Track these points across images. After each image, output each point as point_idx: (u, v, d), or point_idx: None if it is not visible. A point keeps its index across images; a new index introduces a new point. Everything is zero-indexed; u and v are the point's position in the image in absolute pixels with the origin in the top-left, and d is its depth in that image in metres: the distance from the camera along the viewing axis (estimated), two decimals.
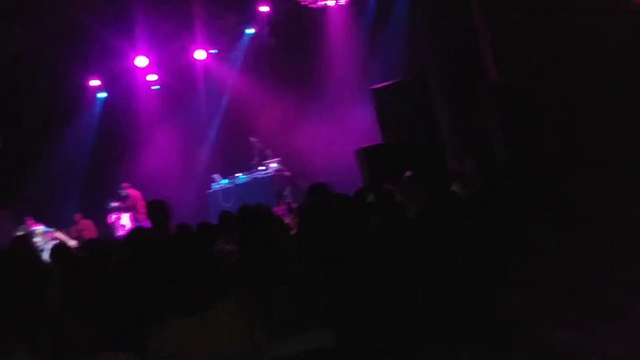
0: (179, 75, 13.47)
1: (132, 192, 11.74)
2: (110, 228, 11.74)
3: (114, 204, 11.82)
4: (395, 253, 2.88)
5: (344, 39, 12.10)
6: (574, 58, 5.88)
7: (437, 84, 8.41)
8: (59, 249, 5.14)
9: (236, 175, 12.03)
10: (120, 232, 11.12)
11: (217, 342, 2.58)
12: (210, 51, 13.20)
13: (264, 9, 12.52)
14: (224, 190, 12.01)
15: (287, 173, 11.78)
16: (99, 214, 12.01)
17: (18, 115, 11.76)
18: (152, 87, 13.72)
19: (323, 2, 11.86)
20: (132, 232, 4.54)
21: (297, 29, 12.41)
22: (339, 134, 11.19)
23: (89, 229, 11.45)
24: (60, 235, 10.83)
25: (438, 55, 8.47)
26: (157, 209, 4.95)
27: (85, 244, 5.97)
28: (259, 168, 11.80)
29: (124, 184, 11.88)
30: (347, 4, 12.01)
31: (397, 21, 11.38)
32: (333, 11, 12.17)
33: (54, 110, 12.74)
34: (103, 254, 4.72)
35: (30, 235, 10.18)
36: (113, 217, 11.81)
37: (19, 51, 10.73)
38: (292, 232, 5.17)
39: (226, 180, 12.07)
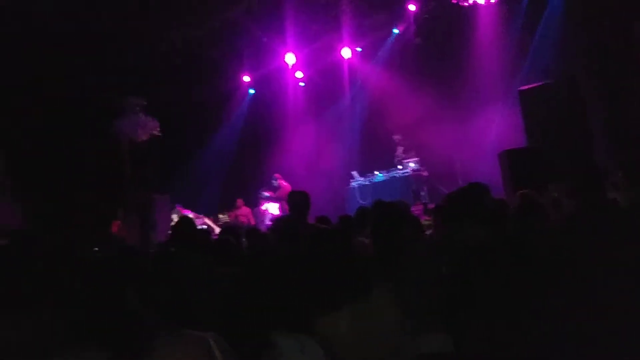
0: (324, 72, 13.82)
1: (283, 184, 12.25)
2: (259, 216, 12.31)
3: (265, 193, 12.40)
4: (534, 261, 2.75)
5: (492, 37, 11.69)
6: None
7: (592, 86, 7.90)
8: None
9: (374, 173, 12.16)
10: (268, 221, 11.66)
11: (374, 331, 2.59)
12: (356, 49, 13.40)
13: (412, 7, 12.47)
14: (361, 187, 12.18)
15: (424, 173, 11.66)
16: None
17: (177, 107, 12.69)
18: (299, 84, 14.24)
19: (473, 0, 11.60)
20: (280, 221, 4.71)
21: (444, 28, 12.20)
22: (481, 136, 10.83)
23: (246, 215, 12.16)
24: (207, 221, 11.61)
25: (594, 57, 7.96)
26: (298, 199, 5.09)
27: (225, 229, 6.34)
28: (398, 167, 11.82)
29: (277, 175, 12.42)
30: (497, 2, 11.63)
31: (550, 20, 10.81)
32: (483, 9, 11.83)
33: (209, 104, 13.64)
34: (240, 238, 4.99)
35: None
36: (263, 205, 12.39)
37: (181, 48, 11.58)
38: (429, 232, 5.14)
39: (362, 179, 12.24)
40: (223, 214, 12.27)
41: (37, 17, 9.02)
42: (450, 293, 2.86)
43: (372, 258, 3.49)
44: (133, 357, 1.87)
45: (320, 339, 2.55)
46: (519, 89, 9.93)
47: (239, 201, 12.32)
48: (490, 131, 10.85)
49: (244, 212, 12.14)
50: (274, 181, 12.35)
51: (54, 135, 10.59)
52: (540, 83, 9.63)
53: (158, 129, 12.24)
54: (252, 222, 11.80)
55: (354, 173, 12.48)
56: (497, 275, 2.75)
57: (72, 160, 11.08)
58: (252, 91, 14.72)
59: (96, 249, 5.33)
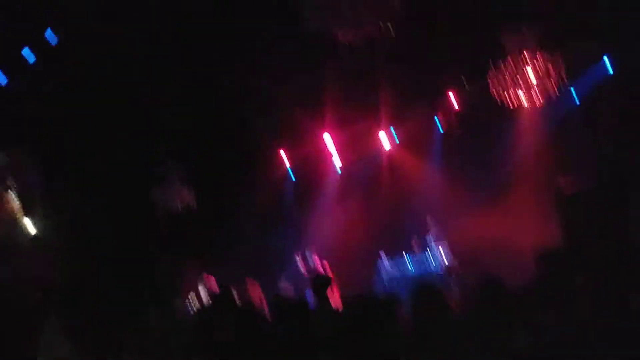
0: (362, 158, 13.94)
1: (317, 266, 12.17)
2: None
3: (300, 268, 12.25)
4: None
5: (533, 131, 11.71)
6: None
7: None
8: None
9: (404, 260, 12.02)
10: None
11: None
12: (394, 135, 13.57)
13: (453, 96, 12.65)
14: (390, 274, 12.01)
15: (454, 264, 11.40)
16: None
17: (212, 178, 12.85)
18: (338, 168, 14.37)
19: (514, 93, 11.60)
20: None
21: (484, 119, 12.21)
22: (517, 230, 10.51)
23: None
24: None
25: None
26: (321, 282, 5.23)
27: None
28: (428, 255, 11.64)
29: (314, 255, 12.26)
30: (539, 96, 11.63)
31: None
32: (524, 102, 11.83)
33: (246, 177, 13.77)
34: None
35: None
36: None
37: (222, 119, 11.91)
38: None
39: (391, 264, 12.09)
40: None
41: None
42: None
43: None
44: None
45: None
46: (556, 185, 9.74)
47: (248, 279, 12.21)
48: (524, 225, 10.58)
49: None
50: (309, 260, 12.29)
51: (93, 197, 10.89)
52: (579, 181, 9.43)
53: (194, 200, 12.42)
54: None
55: (383, 258, 12.30)
56: None
57: (108, 225, 11.31)
58: (290, 171, 14.93)
59: None
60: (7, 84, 9.36)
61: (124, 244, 11.42)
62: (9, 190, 10.22)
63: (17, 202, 10.43)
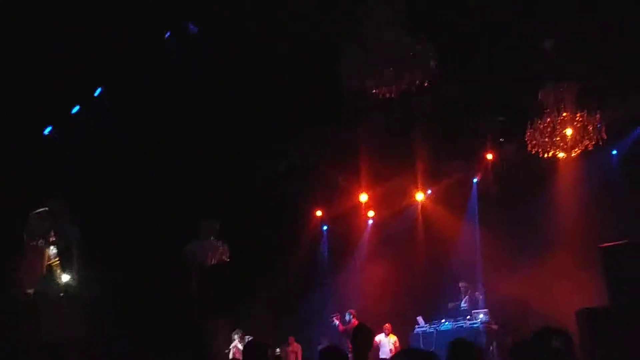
0: (396, 212, 13.89)
1: (355, 321, 11.96)
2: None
3: (336, 320, 12.28)
4: None
5: (572, 191, 11.46)
6: None
7: None
8: None
9: (441, 321, 11.60)
10: None
11: None
12: (427, 191, 13.51)
13: (489, 156, 12.52)
14: (425, 334, 11.59)
15: (494, 326, 10.98)
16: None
17: (248, 233, 12.85)
18: (369, 222, 14.31)
19: (552, 152, 11.44)
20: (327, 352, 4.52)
21: (521, 177, 12.06)
22: (558, 291, 10.24)
23: (295, 351, 12.42)
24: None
25: None
26: (362, 334, 4.91)
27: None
28: (467, 317, 11.25)
29: (352, 311, 12.18)
30: (579, 156, 11.43)
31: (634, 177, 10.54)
32: (563, 162, 11.64)
33: (280, 234, 13.77)
34: None
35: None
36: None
37: (259, 179, 11.98)
38: None
39: (427, 326, 11.75)
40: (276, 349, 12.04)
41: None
42: None
43: None
44: None
45: None
46: (599, 245, 9.42)
47: (290, 338, 12.58)
48: (570, 287, 10.24)
49: (294, 348, 12.32)
50: (347, 315, 12.15)
51: (128, 252, 10.89)
52: (623, 241, 9.10)
53: (228, 254, 12.34)
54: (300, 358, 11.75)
55: (419, 319, 11.94)
56: None
57: (140, 283, 11.26)
58: (325, 227, 14.91)
59: None
60: (50, 133, 9.50)
61: (155, 300, 11.36)
62: (48, 241, 10.28)
63: (54, 253, 10.48)
